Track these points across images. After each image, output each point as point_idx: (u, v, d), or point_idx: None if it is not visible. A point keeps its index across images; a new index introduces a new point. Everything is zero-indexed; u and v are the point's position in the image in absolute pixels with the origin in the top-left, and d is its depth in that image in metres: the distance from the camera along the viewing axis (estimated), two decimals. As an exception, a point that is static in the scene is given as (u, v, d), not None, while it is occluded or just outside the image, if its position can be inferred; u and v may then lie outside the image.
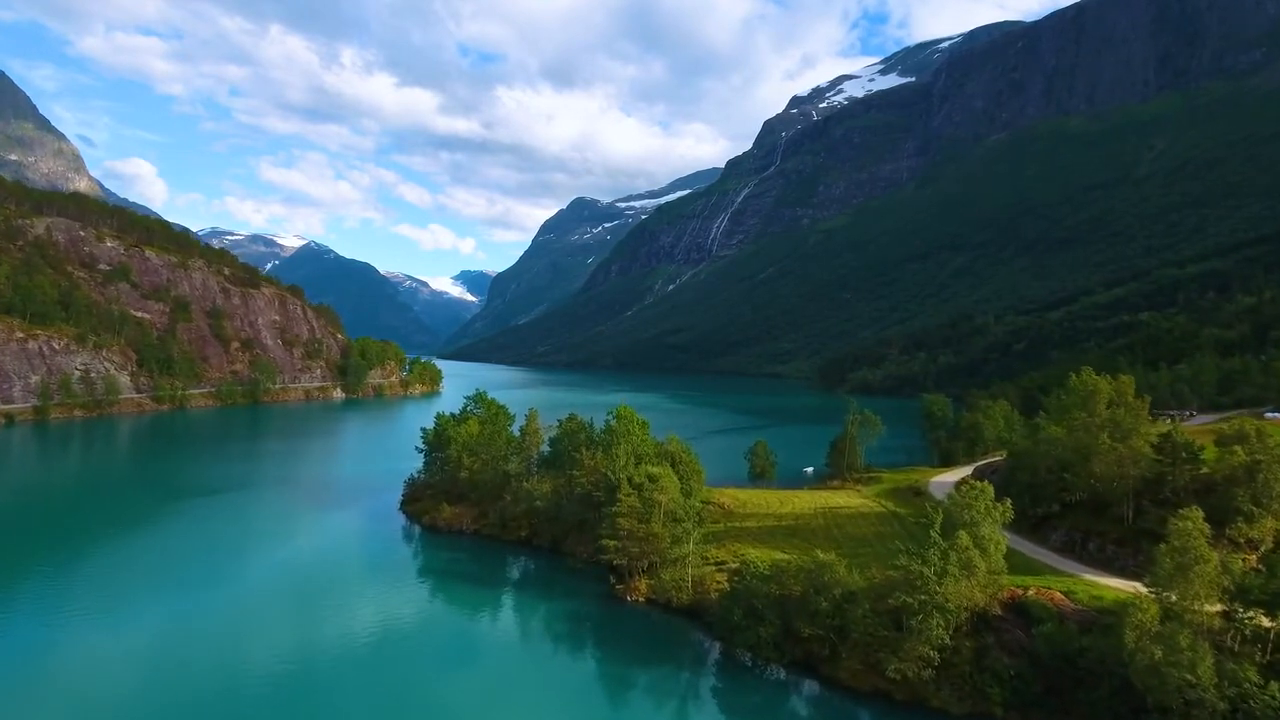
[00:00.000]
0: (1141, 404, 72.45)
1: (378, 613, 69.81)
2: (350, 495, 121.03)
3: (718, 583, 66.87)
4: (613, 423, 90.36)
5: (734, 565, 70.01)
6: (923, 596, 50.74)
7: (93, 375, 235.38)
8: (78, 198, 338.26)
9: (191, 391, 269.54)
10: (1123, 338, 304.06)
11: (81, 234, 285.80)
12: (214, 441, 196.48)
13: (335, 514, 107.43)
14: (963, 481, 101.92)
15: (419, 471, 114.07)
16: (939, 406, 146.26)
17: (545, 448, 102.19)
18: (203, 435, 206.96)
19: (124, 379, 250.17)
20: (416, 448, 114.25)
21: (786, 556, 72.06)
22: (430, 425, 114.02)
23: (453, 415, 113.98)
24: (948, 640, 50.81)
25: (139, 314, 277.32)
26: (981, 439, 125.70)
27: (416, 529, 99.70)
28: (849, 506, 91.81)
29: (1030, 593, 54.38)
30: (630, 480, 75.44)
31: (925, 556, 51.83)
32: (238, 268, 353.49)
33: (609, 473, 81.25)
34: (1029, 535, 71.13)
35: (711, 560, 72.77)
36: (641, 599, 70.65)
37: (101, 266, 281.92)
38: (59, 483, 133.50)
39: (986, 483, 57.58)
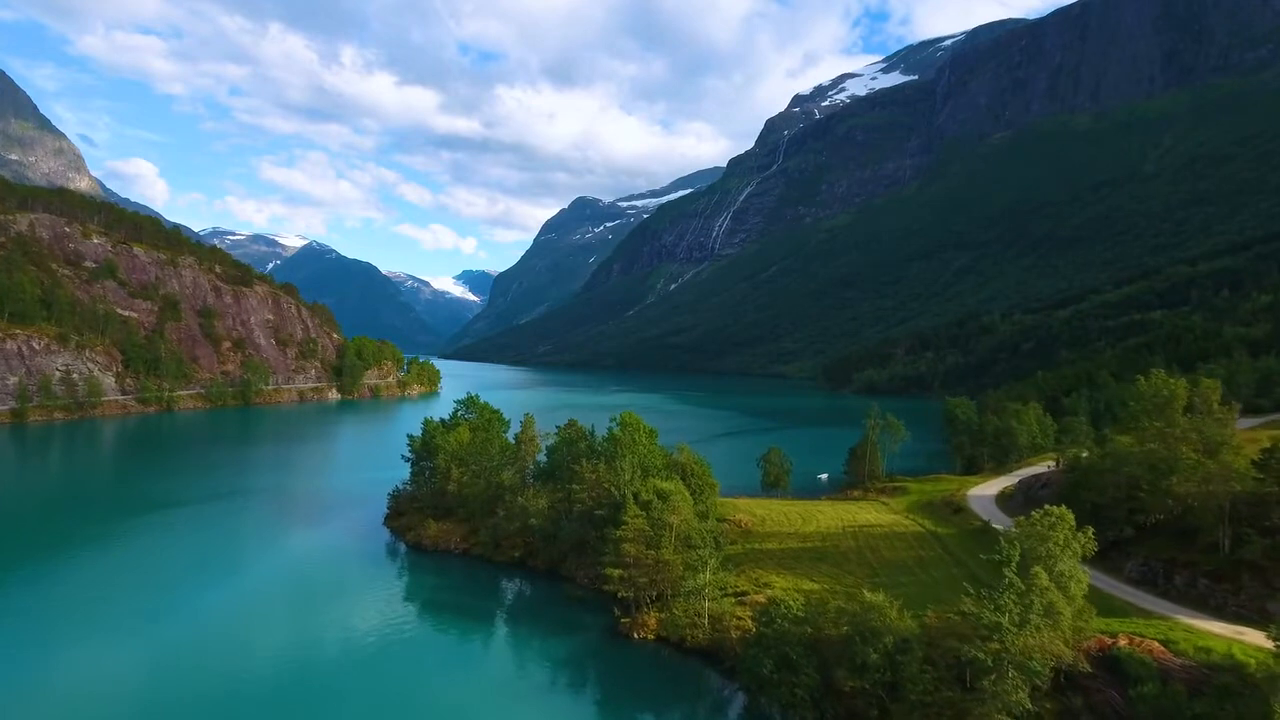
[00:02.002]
0: (1229, 412, 63.55)
1: (349, 649, 60.98)
2: (332, 508, 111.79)
3: (738, 619, 57.63)
4: (616, 430, 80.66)
5: (756, 597, 60.98)
6: (997, 647, 41.77)
7: (74, 376, 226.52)
8: (64, 193, 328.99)
9: (180, 393, 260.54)
10: (1135, 337, 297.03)
11: (67, 230, 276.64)
12: (194, 446, 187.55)
13: (312, 530, 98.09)
14: (1004, 494, 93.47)
15: (404, 483, 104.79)
16: (963, 410, 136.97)
17: (542, 457, 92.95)
18: (184, 439, 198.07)
19: (108, 380, 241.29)
20: (403, 456, 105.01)
21: (816, 586, 63.22)
22: (419, 431, 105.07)
23: (442, 420, 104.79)
24: (1029, 705, 41.68)
25: (126, 313, 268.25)
26: (1015, 446, 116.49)
27: (401, 546, 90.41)
28: (880, 524, 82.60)
29: (1122, 642, 45.35)
30: (637, 497, 66.43)
31: (999, 601, 42.80)
32: (230, 265, 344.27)
33: (612, 488, 72.07)
34: (1097, 564, 61.72)
35: (730, 590, 63.45)
36: (650, 636, 61.05)
37: (87, 264, 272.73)
38: (12, 493, 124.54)
39: (1064, 508, 48.60)
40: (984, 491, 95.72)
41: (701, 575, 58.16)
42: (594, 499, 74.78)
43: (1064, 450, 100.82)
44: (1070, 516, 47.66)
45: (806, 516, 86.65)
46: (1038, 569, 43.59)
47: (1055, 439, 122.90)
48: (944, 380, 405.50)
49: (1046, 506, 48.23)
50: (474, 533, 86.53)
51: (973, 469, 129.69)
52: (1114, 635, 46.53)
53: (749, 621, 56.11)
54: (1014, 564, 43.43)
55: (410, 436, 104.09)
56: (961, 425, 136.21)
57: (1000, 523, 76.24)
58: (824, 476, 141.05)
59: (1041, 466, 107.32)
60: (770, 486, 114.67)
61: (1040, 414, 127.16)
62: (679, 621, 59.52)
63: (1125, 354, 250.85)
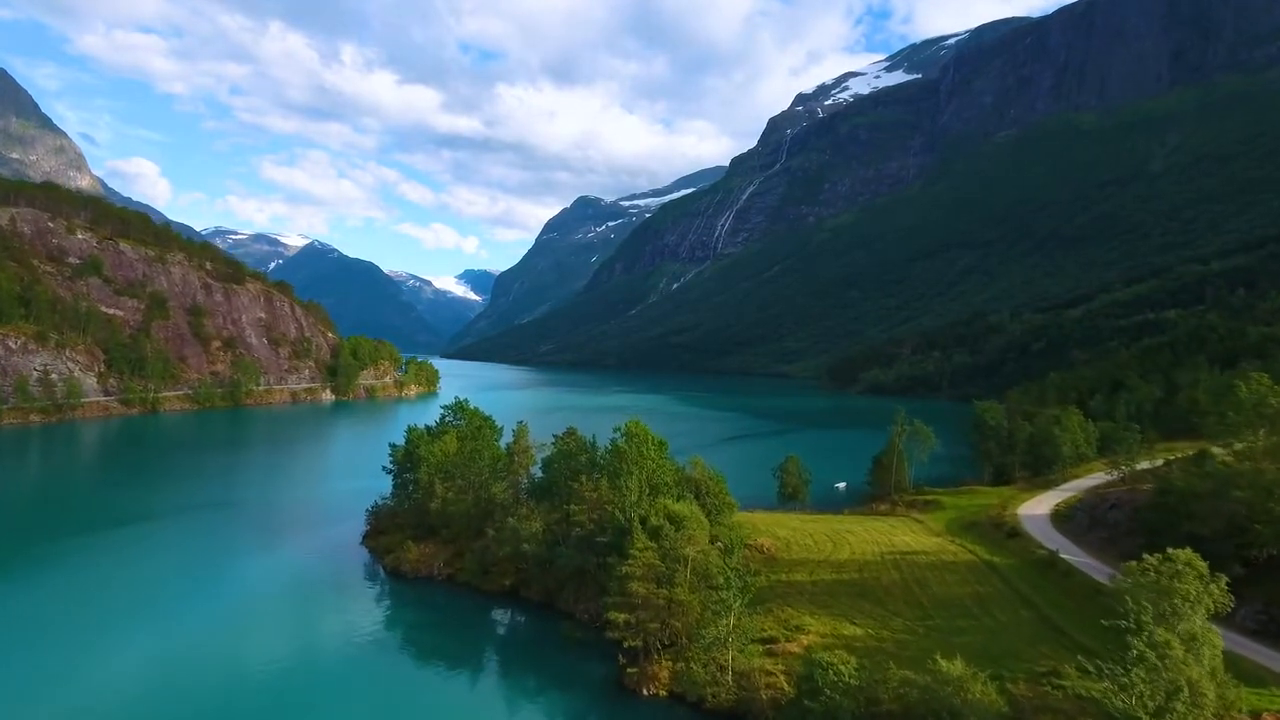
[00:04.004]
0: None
1: (307, 700, 51.48)
2: (308, 523, 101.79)
3: (769, 675, 47.87)
4: (621, 442, 70.08)
5: (788, 645, 51.24)
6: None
7: (53, 377, 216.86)
8: (49, 188, 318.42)
9: (166, 394, 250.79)
10: (1149, 337, 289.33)
11: (50, 225, 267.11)
12: (172, 451, 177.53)
13: (282, 550, 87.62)
14: (1058, 514, 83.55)
15: (383, 497, 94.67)
16: (992, 415, 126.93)
17: (537, 469, 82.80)
18: (163, 443, 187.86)
19: (90, 381, 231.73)
20: (384, 467, 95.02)
21: (859, 630, 53.51)
22: (412, 437, 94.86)
23: (428, 428, 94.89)
24: (1171, 821, 31.99)
25: (111, 311, 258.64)
26: (1059, 456, 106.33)
27: (379, 571, 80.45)
28: (923, 550, 72.45)
29: (1275, 728, 35.76)
30: (644, 522, 56.76)
31: (1124, 680, 33.15)
32: (221, 263, 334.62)
33: (616, 510, 62.25)
34: (1197, 607, 51.93)
35: (755, 634, 53.04)
36: (662, 691, 50.64)
37: (71, 260, 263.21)
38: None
39: (1189, 552, 38.98)
40: (1034, 510, 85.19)
41: (724, 621, 48.17)
42: (595, 522, 64.87)
43: (1116, 461, 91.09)
44: (1201, 563, 38.13)
45: (836, 539, 76.62)
46: (1166, 634, 33.93)
47: (1097, 447, 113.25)
48: (952, 380, 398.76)
49: (1169, 550, 38.64)
50: (459, 556, 76.31)
51: (1003, 479, 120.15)
52: (1258, 716, 36.94)
53: (782, 678, 46.46)
54: (1145, 636, 33.51)
55: (392, 445, 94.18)
56: (990, 431, 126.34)
57: (1068, 551, 66.03)
58: (842, 485, 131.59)
59: (1089, 479, 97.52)
60: (788, 499, 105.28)
61: (1081, 420, 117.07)
62: (697, 677, 49.15)
63: (1146, 354, 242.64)
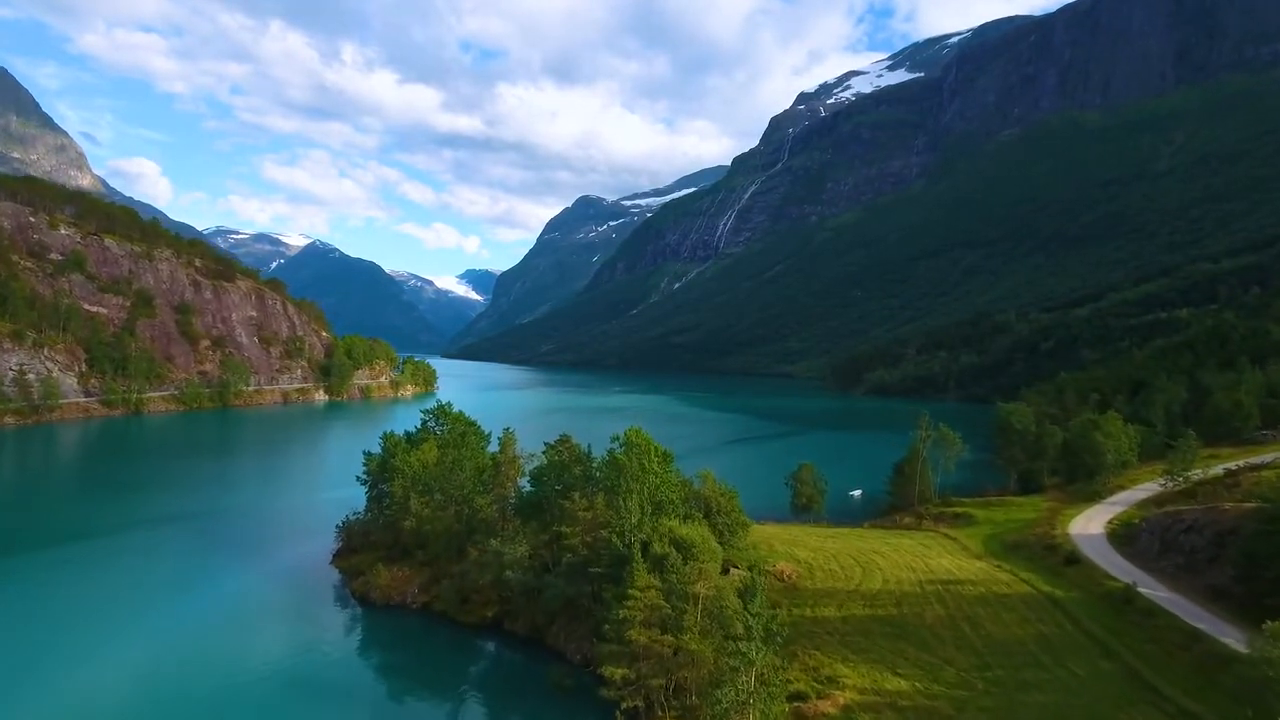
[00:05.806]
0: None
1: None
2: (279, 537, 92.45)
3: (802, 747, 39.18)
4: (619, 454, 60.42)
5: (821, 705, 42.49)
6: None
7: (30, 376, 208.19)
8: (30, 181, 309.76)
9: (150, 395, 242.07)
10: (1161, 336, 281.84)
11: (31, 220, 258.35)
12: (149, 455, 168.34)
13: (243, 570, 77.90)
14: (1115, 534, 74.37)
15: (354, 513, 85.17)
16: (1019, 418, 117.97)
17: (525, 481, 73.67)
18: (141, 447, 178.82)
19: (70, 381, 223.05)
20: (358, 478, 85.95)
21: (904, 685, 44.56)
22: (388, 445, 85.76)
23: (407, 434, 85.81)
24: None
25: (94, 309, 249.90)
26: (1103, 464, 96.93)
27: (349, 595, 71.31)
28: (968, 579, 62.81)
29: None
30: (646, 549, 48.02)
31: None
32: (210, 259, 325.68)
33: (614, 535, 53.38)
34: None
35: (783, 689, 43.94)
36: (669, 760, 42.33)
37: (53, 256, 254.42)
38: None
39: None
40: (1086, 528, 75.39)
41: (743, 679, 39.14)
42: (589, 546, 55.85)
43: (1173, 470, 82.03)
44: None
45: (865, 562, 67.43)
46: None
47: (1138, 453, 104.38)
48: (958, 381, 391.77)
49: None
50: (436, 582, 66.97)
51: (1031, 487, 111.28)
52: None
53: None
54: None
55: (367, 454, 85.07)
56: (1016, 436, 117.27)
57: (1140, 582, 56.73)
58: (857, 493, 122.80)
59: (1138, 490, 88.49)
60: (802, 509, 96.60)
61: (1123, 424, 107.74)
62: (712, 746, 40.37)
63: (1164, 353, 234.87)
